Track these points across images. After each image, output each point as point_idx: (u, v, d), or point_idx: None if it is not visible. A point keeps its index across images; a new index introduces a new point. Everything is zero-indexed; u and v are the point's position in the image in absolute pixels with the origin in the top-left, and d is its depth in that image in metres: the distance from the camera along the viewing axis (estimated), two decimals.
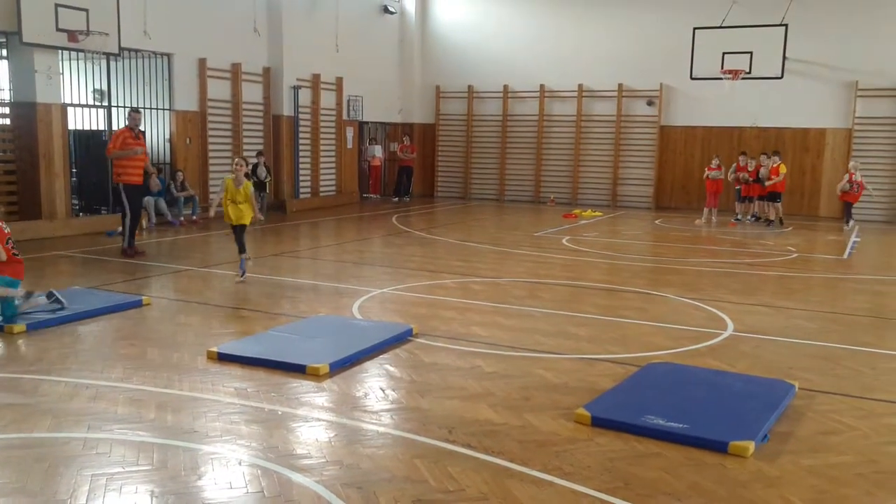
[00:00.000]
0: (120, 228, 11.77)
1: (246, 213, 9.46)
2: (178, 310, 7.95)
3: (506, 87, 21.79)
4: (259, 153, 16.38)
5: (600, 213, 18.76)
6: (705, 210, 17.37)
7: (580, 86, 20.90)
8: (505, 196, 22.23)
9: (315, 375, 5.70)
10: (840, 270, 11.49)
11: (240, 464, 4.17)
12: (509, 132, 22.06)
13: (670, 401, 5.15)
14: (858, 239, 14.99)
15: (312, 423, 4.84)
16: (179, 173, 15.34)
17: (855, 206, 17.43)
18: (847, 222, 16.66)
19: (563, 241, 13.82)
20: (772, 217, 16.91)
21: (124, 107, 14.67)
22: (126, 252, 11.01)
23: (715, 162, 17.44)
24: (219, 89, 16.53)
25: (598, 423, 4.82)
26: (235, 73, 16.86)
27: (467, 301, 8.53)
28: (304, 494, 3.84)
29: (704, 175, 17.61)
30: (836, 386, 5.82)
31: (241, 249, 9.48)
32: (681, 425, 4.68)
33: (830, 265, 12.02)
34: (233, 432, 4.61)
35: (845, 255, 12.87)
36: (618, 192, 21.04)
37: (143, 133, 12.44)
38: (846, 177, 16.60)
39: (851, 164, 17.01)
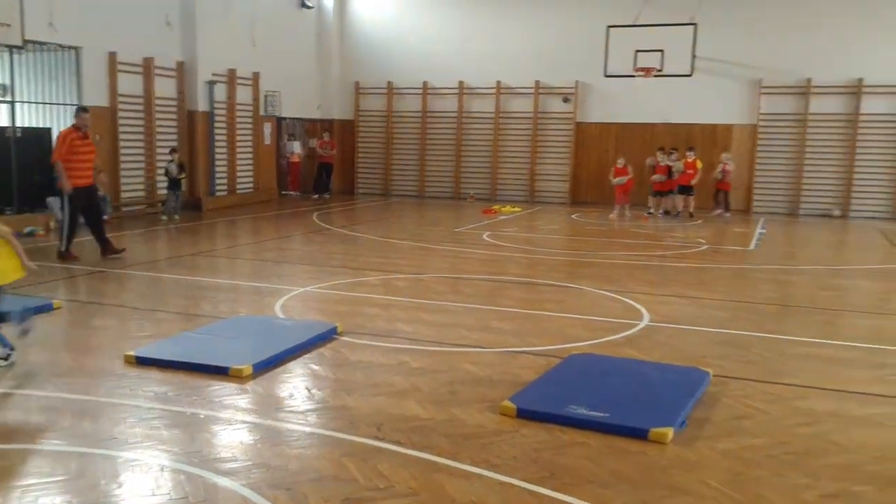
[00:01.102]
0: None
1: (7, 268, 5.84)
2: (92, 313, 7.68)
3: (425, 83, 21.83)
4: (173, 150, 15.95)
5: (519, 209, 19.02)
6: (616, 207, 17.74)
7: (498, 83, 21.11)
8: (425, 192, 22.29)
9: (238, 377, 5.60)
10: (748, 261, 11.98)
11: (162, 470, 4.07)
12: (429, 128, 22.11)
13: (592, 391, 5.28)
14: (764, 230, 15.65)
15: (237, 426, 4.76)
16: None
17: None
18: (723, 210, 17.56)
19: (484, 236, 13.96)
20: (690, 209, 17.52)
21: (28, 102, 14.07)
22: (63, 256, 10.46)
23: (621, 162, 17.75)
24: (130, 84, 16.00)
25: (523, 414, 4.91)
26: (147, 68, 16.36)
27: (390, 298, 8.53)
28: (230, 498, 3.78)
29: (610, 179, 17.93)
30: (747, 372, 6.07)
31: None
32: (602, 414, 4.81)
33: (739, 256, 12.52)
34: (154, 437, 4.50)
35: (752, 246, 13.43)
36: (535, 187, 21.36)
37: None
38: (720, 167, 17.48)
39: (724, 155, 17.82)
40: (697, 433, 4.74)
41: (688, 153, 17.67)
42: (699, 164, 17.49)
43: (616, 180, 17.55)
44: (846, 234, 16.12)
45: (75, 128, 10.56)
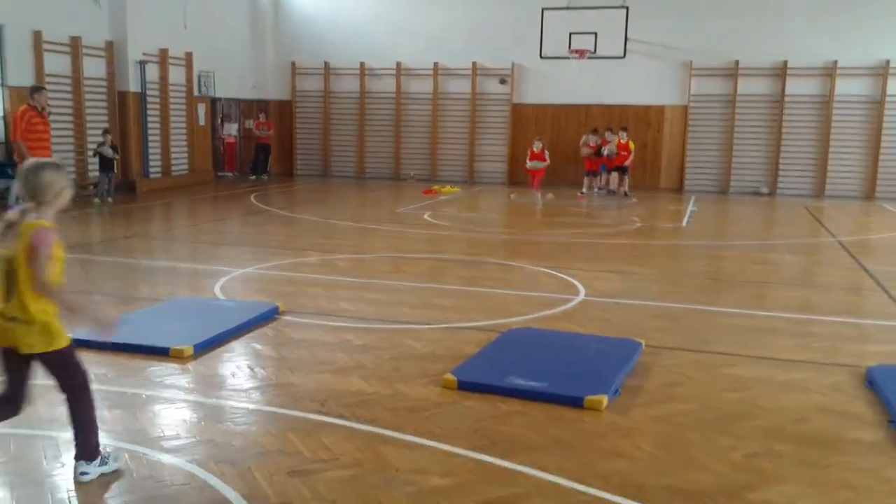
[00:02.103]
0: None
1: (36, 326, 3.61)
2: None
3: (362, 64, 21.72)
4: (105, 131, 15.54)
5: (459, 189, 19.14)
6: (535, 193, 17.44)
7: (436, 63, 21.14)
8: (365, 173, 22.23)
9: (179, 357, 5.59)
10: (679, 237, 12.36)
11: (105, 449, 4.06)
12: (367, 109, 22.03)
13: (530, 362, 5.44)
14: (696, 208, 16.12)
15: (180, 405, 4.77)
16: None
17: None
18: (608, 188, 18.25)
19: (425, 216, 14.04)
20: (625, 188, 17.91)
21: None
22: None
23: (537, 146, 17.61)
24: (57, 64, 15.51)
25: (465, 386, 5.04)
26: (75, 47, 15.87)
27: (333, 277, 8.56)
28: (175, 474, 3.81)
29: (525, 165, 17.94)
30: (678, 342, 6.32)
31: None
32: (541, 384, 4.97)
33: (671, 233, 12.89)
34: None
35: (684, 224, 13.84)
36: (475, 168, 21.52)
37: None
38: (614, 142, 17.80)
39: (621, 133, 18.11)
40: (631, 400, 4.94)
41: (620, 133, 18.00)
42: (632, 145, 17.89)
43: (530, 164, 17.35)
44: (774, 211, 16.71)
45: (31, 107, 10.39)
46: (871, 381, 5.28)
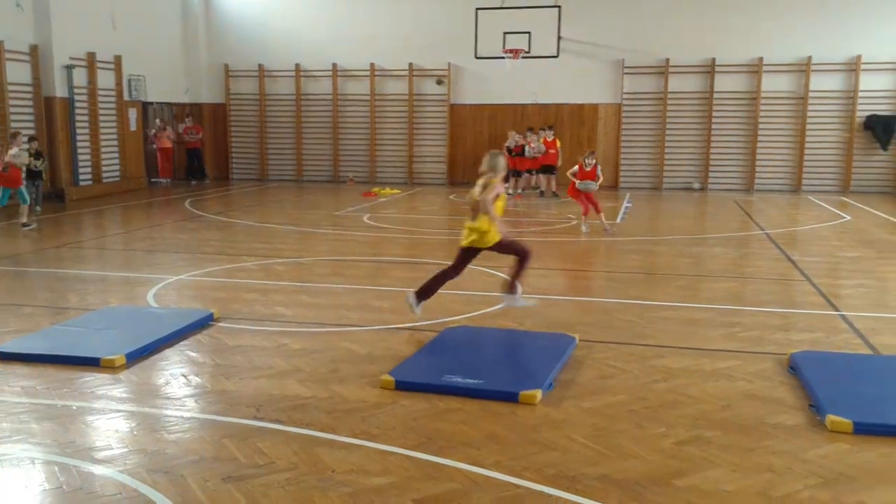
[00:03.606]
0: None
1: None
2: None
3: (297, 65, 21.55)
4: (31, 138, 15.10)
5: (399, 191, 19.15)
6: None
7: (372, 65, 21.11)
8: (303, 176, 22.07)
9: (111, 367, 5.49)
10: (614, 234, 12.58)
11: (33, 462, 3.98)
12: (304, 112, 21.87)
13: (467, 360, 5.51)
14: (630, 204, 16.45)
15: (111, 415, 4.69)
16: None
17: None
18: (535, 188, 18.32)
19: (365, 218, 14.02)
20: (545, 188, 18.06)
21: None
22: None
23: (590, 163, 16.11)
24: None
25: (402, 386, 5.07)
26: None
27: (270, 282, 8.50)
28: (106, 485, 3.76)
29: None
30: (611, 336, 6.47)
31: None
32: (477, 381, 5.04)
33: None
34: (23, 431, 4.38)
35: (619, 220, 14.11)
36: (414, 169, 21.55)
37: None
38: (535, 142, 17.83)
39: (547, 132, 18.13)
40: (564, 393, 5.05)
41: (546, 132, 18.06)
42: (558, 144, 18.07)
43: (581, 185, 12.36)
44: (705, 206, 17.15)
45: None
46: (794, 367, 5.50)
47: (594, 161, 12.61)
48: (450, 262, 6.90)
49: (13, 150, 12.52)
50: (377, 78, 21.24)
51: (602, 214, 12.49)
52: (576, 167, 12.57)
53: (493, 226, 6.47)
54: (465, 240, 6.63)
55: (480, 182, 6.53)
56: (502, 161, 6.58)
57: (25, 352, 5.71)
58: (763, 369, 5.60)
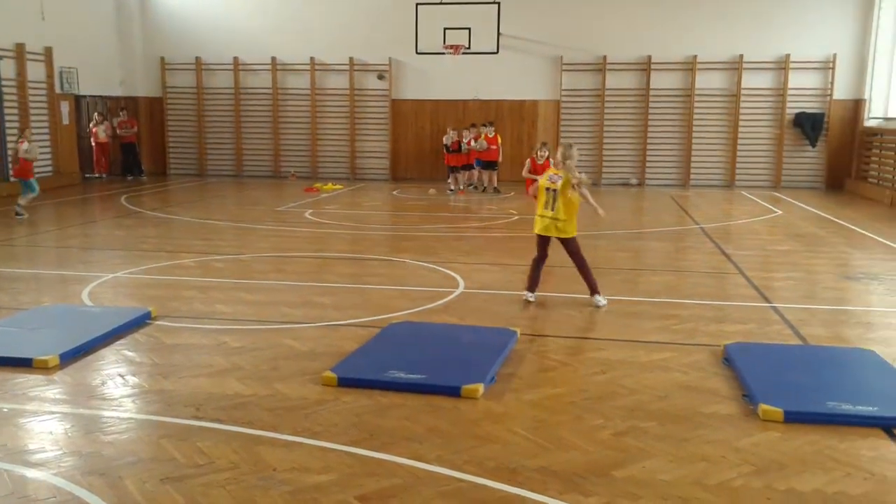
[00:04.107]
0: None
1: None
2: None
3: (236, 59, 21.21)
4: None
5: (341, 186, 19.04)
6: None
7: (312, 59, 20.91)
8: (243, 171, 21.75)
9: (44, 368, 5.35)
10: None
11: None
12: (243, 106, 21.55)
13: (410, 355, 5.52)
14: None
15: (44, 417, 4.57)
16: None
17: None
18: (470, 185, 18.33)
19: (307, 214, 13.90)
20: (486, 184, 18.14)
21: None
22: None
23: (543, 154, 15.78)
24: None
25: (344, 383, 5.07)
26: None
27: (209, 279, 8.37)
28: (39, 489, 3.67)
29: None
30: (552, 329, 6.57)
31: None
32: (419, 376, 5.07)
33: None
34: None
35: None
36: (356, 164, 21.44)
37: None
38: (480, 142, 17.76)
39: (489, 127, 18.12)
40: (505, 387, 5.11)
41: (487, 128, 18.04)
42: (499, 140, 18.18)
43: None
44: (642, 201, 17.49)
45: None
46: (727, 358, 5.66)
47: (546, 153, 11.85)
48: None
49: (24, 146, 13.13)
50: (317, 72, 21.05)
51: None
52: (528, 162, 12.30)
53: (574, 218, 7.42)
54: (548, 230, 7.38)
55: (559, 173, 7.27)
56: (574, 153, 7.34)
57: None
58: (698, 360, 5.75)
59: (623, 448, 4.23)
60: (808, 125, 19.41)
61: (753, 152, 20.05)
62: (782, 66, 19.41)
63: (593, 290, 7.40)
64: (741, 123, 19.83)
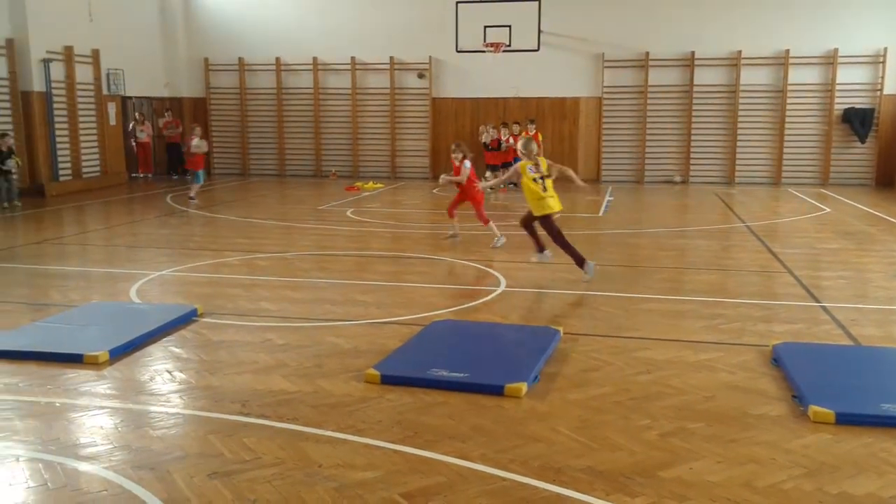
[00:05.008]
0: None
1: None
2: None
3: (278, 59, 21.44)
4: (3, 134, 14.85)
5: (381, 185, 19.12)
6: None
7: (353, 59, 21.03)
8: (286, 171, 21.97)
9: (94, 364, 5.45)
10: (597, 227, 12.65)
11: (17, 460, 3.95)
12: (285, 106, 21.77)
13: (452, 354, 5.52)
14: (612, 198, 16.52)
15: (95, 412, 4.66)
16: None
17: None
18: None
19: (348, 213, 13.99)
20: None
21: None
22: None
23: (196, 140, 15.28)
24: None
25: (388, 380, 5.08)
26: None
27: (254, 277, 8.47)
28: (91, 482, 3.74)
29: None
30: (595, 328, 6.50)
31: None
32: (462, 374, 5.05)
33: (589, 222, 13.18)
34: (7, 429, 4.34)
35: (601, 213, 14.18)
36: (396, 163, 21.51)
37: None
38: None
39: (530, 125, 18.07)
40: (549, 386, 5.07)
41: (529, 125, 17.95)
42: (540, 137, 18.05)
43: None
44: (686, 199, 17.26)
45: None
46: (776, 359, 5.55)
47: (461, 154, 10.61)
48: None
49: (195, 141, 15.11)
50: (358, 72, 21.17)
51: (491, 224, 10.61)
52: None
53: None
54: (554, 208, 8.28)
55: (532, 163, 8.26)
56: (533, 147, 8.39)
57: (8, 349, 5.66)
58: (745, 360, 5.65)
59: (670, 449, 4.17)
60: (858, 121, 18.97)
61: (800, 149, 19.66)
62: (830, 60, 18.99)
63: (579, 263, 8.30)
64: (788, 120, 19.47)
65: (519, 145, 8.59)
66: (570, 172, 8.63)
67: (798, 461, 4.03)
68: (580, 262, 8.26)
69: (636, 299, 7.58)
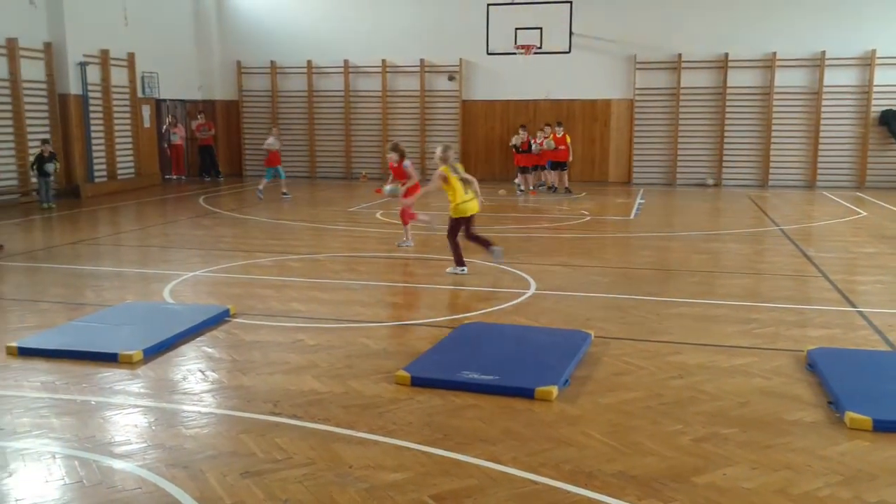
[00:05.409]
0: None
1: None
2: None
3: (309, 62, 21.58)
4: (43, 141, 15.08)
5: None
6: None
7: (384, 61, 21.11)
8: (316, 173, 22.11)
9: (128, 363, 5.52)
10: (628, 230, 12.56)
11: (54, 457, 4.02)
12: (316, 108, 21.90)
13: (482, 356, 5.50)
14: (644, 201, 16.39)
15: (129, 410, 4.72)
16: None
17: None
18: (545, 185, 18.02)
19: (378, 215, 14.04)
20: (557, 184, 17.95)
21: None
22: None
23: (270, 139, 16.65)
24: None
25: (418, 382, 5.08)
26: (12, 49, 15.49)
27: (285, 278, 8.53)
28: (126, 479, 3.78)
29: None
30: (626, 332, 6.45)
31: None
32: (492, 377, 5.04)
33: (620, 225, 13.09)
34: (43, 426, 4.41)
35: (632, 216, 14.07)
36: (426, 166, 21.52)
37: None
38: (548, 142, 17.48)
39: (557, 127, 17.86)
40: (580, 390, 5.04)
41: (556, 128, 17.82)
42: (569, 139, 17.95)
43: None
44: (719, 202, 17.07)
45: None
46: (811, 364, 5.47)
47: (397, 155, 10.21)
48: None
49: (269, 140, 16.56)
50: (388, 74, 21.24)
51: (409, 226, 10.52)
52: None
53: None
54: (475, 210, 8.68)
55: (458, 166, 8.80)
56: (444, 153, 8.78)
57: (44, 347, 5.76)
58: (780, 366, 5.57)
59: (703, 454, 4.12)
60: (895, 123, 18.62)
61: (836, 152, 19.36)
62: (868, 62, 18.68)
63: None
64: (823, 122, 19.18)
65: (437, 151, 8.83)
66: (476, 187, 8.79)
67: (834, 468, 3.96)
68: (487, 245, 8.77)
69: (668, 303, 7.51)
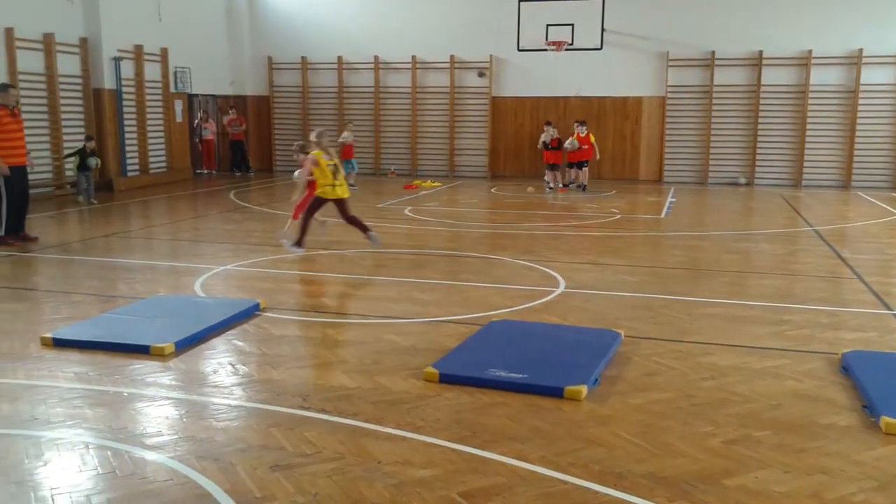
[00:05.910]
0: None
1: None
2: (2, 297, 7.46)
3: (340, 58, 21.66)
4: (88, 137, 15.25)
5: (439, 184, 19.17)
6: None
7: (414, 57, 21.12)
8: None
9: (160, 355, 5.58)
10: (658, 228, 12.46)
11: (87, 447, 4.07)
12: (346, 104, 21.98)
13: (511, 354, 5.49)
14: (675, 199, 16.24)
15: (161, 402, 4.77)
16: None
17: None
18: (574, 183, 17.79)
19: (406, 211, 14.05)
20: (585, 181, 17.79)
21: None
22: (1, 240, 9.99)
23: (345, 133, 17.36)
24: (30, 62, 15.37)
25: (446, 379, 5.07)
26: (48, 44, 15.73)
27: (314, 273, 8.57)
28: (158, 471, 3.82)
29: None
30: (657, 332, 6.39)
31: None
32: (521, 375, 5.02)
33: (650, 224, 12.99)
34: (77, 417, 4.48)
35: (663, 215, 13.95)
36: (455, 162, 21.54)
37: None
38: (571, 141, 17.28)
39: (580, 127, 17.54)
40: (610, 390, 5.00)
41: (579, 127, 17.51)
42: (592, 138, 17.74)
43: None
44: (751, 201, 16.86)
45: (2, 105, 10.04)
46: (846, 367, 5.38)
47: (304, 155, 9.90)
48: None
49: (344, 134, 17.51)
50: (419, 70, 21.25)
51: (295, 221, 10.04)
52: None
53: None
54: (342, 195, 9.42)
55: (332, 151, 9.43)
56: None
57: (78, 339, 5.84)
58: (813, 368, 5.49)
59: (735, 457, 4.07)
60: None
61: (872, 151, 19.02)
62: None
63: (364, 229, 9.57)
64: (859, 121, 18.86)
65: (312, 136, 9.37)
66: (343, 179, 9.51)
67: (869, 473, 3.89)
68: (365, 229, 9.44)
69: (699, 303, 7.43)
